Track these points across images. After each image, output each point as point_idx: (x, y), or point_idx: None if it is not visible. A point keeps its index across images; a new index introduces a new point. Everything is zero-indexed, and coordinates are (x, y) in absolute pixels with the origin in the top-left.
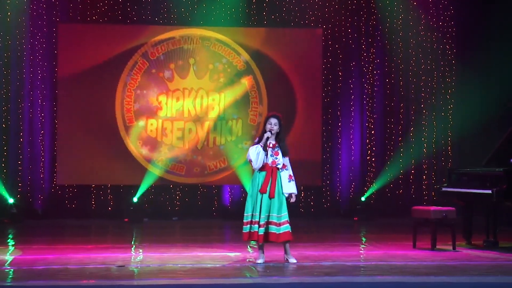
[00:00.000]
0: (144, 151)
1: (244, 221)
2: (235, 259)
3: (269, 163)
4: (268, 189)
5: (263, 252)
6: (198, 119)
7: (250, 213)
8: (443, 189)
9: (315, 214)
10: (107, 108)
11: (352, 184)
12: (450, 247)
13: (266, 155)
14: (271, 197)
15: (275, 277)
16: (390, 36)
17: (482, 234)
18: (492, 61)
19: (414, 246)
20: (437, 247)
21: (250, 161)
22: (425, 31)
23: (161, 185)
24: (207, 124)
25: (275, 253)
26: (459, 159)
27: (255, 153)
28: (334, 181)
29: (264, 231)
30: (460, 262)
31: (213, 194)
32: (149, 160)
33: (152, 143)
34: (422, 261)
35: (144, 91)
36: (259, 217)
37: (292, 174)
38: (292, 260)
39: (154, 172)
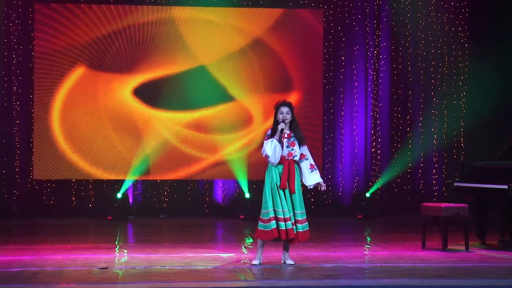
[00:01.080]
0: (129, 142)
1: (265, 218)
2: (228, 261)
3: (285, 155)
4: (288, 184)
5: (261, 253)
6: (187, 107)
7: (272, 209)
8: (455, 184)
9: (315, 212)
10: (89, 94)
11: (356, 179)
12: (463, 247)
13: (282, 147)
14: (292, 192)
15: (272, 280)
16: (397, 17)
17: (497, 233)
18: (509, 44)
19: (423, 247)
20: (448, 247)
21: (267, 156)
22: (435, 12)
23: (147, 180)
24: (198, 112)
25: (271, 254)
26: (472, 152)
27: (272, 148)
28: (336, 175)
29: (296, 229)
30: (473, 263)
31: (204, 189)
32: (134, 153)
33: (138, 134)
34: (432, 262)
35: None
36: (289, 214)
37: (313, 163)
38: (290, 262)
39: (140, 166)
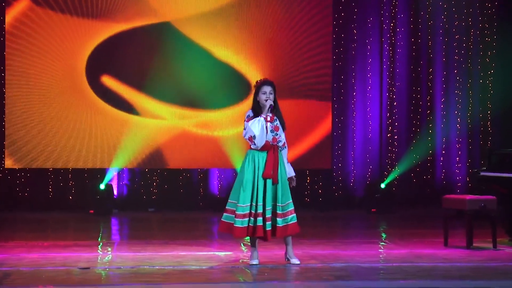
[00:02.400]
0: (113, 126)
1: (239, 212)
2: (225, 260)
3: (269, 140)
4: (272, 173)
5: (257, 250)
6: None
7: (248, 203)
8: (482, 173)
9: (324, 205)
10: (67, 74)
11: (369, 168)
12: (490, 245)
13: (266, 131)
14: (275, 182)
15: (275, 281)
16: None
17: None
18: None
19: (446, 244)
20: (474, 245)
21: (252, 138)
22: None
23: (134, 169)
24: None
25: (274, 252)
26: (500, 137)
27: (259, 127)
28: (347, 163)
29: (271, 225)
30: (502, 263)
31: (198, 179)
32: (119, 138)
33: (123, 117)
34: (456, 262)
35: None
36: (263, 208)
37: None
38: (295, 261)
39: (126, 153)
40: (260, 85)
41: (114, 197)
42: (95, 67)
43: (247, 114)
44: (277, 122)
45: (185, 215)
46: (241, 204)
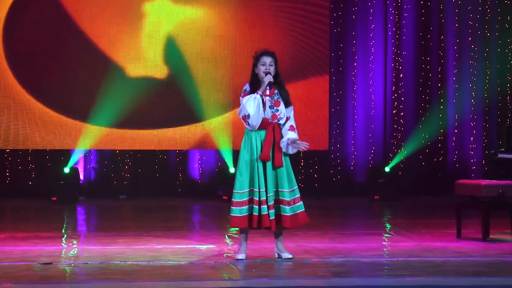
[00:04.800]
0: (79, 101)
1: (236, 200)
2: (207, 254)
3: (268, 117)
4: (271, 154)
5: (246, 244)
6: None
7: (247, 189)
8: (500, 155)
9: (320, 191)
10: (25, 41)
11: (372, 149)
12: (509, 237)
13: (264, 107)
14: (277, 165)
15: (264, 278)
16: None
17: None
18: None
19: (459, 236)
20: (490, 236)
21: (246, 116)
22: None
23: (103, 150)
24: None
25: (263, 245)
26: None
27: (254, 105)
28: (346, 145)
29: (274, 213)
30: None
31: (176, 162)
32: (85, 115)
33: (90, 92)
34: (470, 256)
35: None
36: (266, 195)
37: (294, 125)
38: (287, 256)
39: (93, 132)
40: (259, 55)
41: (80, 182)
42: None
43: (244, 89)
44: (278, 96)
45: (162, 203)
46: (238, 190)
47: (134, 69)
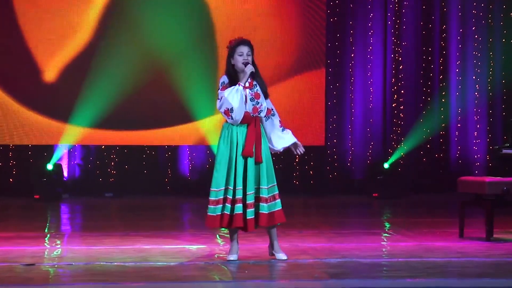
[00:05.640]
0: (64, 93)
1: (212, 198)
2: (198, 255)
3: (249, 111)
4: (254, 150)
5: (237, 244)
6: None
7: (222, 187)
8: (504, 151)
9: (316, 188)
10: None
11: (371, 144)
12: None
13: (245, 100)
14: (258, 161)
15: (257, 280)
16: None
17: None
18: None
19: (461, 235)
20: (495, 236)
21: (229, 110)
22: None
23: (88, 146)
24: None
25: (256, 245)
26: None
27: (238, 97)
28: (343, 139)
29: (254, 213)
30: None
31: (165, 159)
32: (70, 108)
33: (75, 83)
34: (473, 256)
35: None
36: (243, 193)
37: (279, 118)
38: (281, 256)
39: (78, 127)
40: (234, 45)
41: (64, 179)
42: None
43: (221, 81)
44: (257, 88)
45: (150, 201)
46: (214, 188)
47: (121, 63)
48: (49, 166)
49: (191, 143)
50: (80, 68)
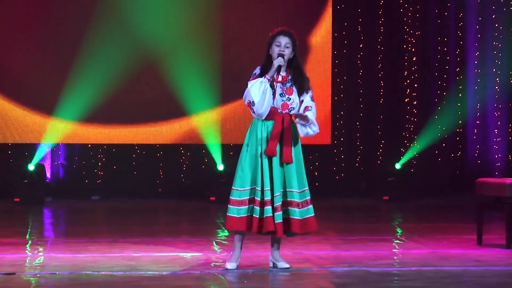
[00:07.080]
0: (47, 89)
1: (234, 198)
2: (192, 263)
3: (277, 107)
4: (279, 149)
5: (240, 251)
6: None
7: (248, 187)
8: None
9: (321, 190)
10: None
11: (381, 143)
12: None
13: (274, 94)
14: (285, 161)
15: None
16: None
17: None
18: None
19: (480, 242)
20: None
21: (251, 103)
22: None
23: (73, 144)
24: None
25: (256, 253)
26: None
27: (260, 91)
28: (351, 137)
29: (282, 216)
30: None
31: (157, 158)
32: (53, 105)
33: (58, 79)
34: (492, 265)
35: None
36: (271, 194)
37: (313, 109)
38: (283, 265)
39: (62, 121)
40: (275, 34)
41: (47, 181)
42: None
43: (254, 72)
44: (291, 84)
45: (140, 205)
46: (237, 187)
47: (110, 55)
48: (31, 167)
49: (185, 141)
50: (66, 60)
